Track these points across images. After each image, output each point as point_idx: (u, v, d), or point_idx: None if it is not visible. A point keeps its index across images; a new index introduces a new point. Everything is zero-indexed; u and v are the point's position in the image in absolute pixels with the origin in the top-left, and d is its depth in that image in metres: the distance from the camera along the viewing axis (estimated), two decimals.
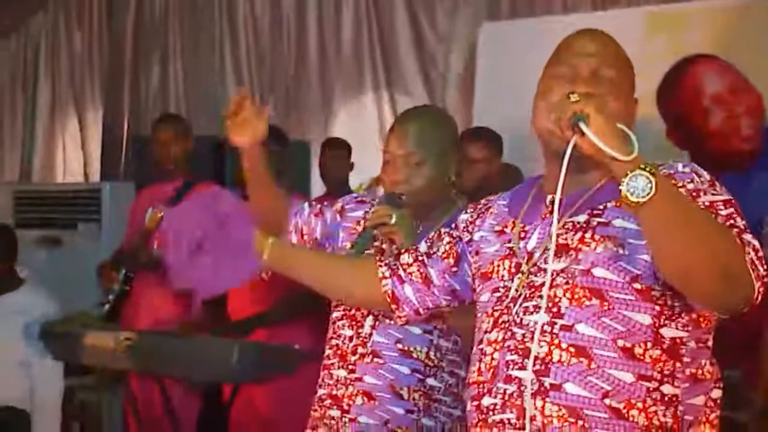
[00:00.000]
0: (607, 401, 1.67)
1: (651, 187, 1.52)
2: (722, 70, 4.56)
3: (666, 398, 1.68)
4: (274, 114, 6.48)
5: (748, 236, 1.65)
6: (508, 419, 1.73)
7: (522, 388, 1.71)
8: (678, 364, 1.70)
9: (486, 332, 1.82)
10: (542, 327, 1.72)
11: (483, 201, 2.03)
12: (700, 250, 1.58)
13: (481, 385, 1.80)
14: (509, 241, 1.85)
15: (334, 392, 2.46)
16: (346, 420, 2.43)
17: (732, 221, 1.67)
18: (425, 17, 6.02)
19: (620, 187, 1.55)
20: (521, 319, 1.75)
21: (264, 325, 3.92)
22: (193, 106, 6.94)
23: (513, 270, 1.82)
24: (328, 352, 2.52)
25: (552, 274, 1.74)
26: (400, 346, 2.42)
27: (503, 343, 1.77)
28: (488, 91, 5.45)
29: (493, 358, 1.78)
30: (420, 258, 2.06)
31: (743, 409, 3.38)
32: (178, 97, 7.04)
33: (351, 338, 2.47)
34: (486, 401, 1.78)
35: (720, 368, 1.79)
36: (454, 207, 2.56)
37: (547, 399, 1.69)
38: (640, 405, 1.67)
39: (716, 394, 1.77)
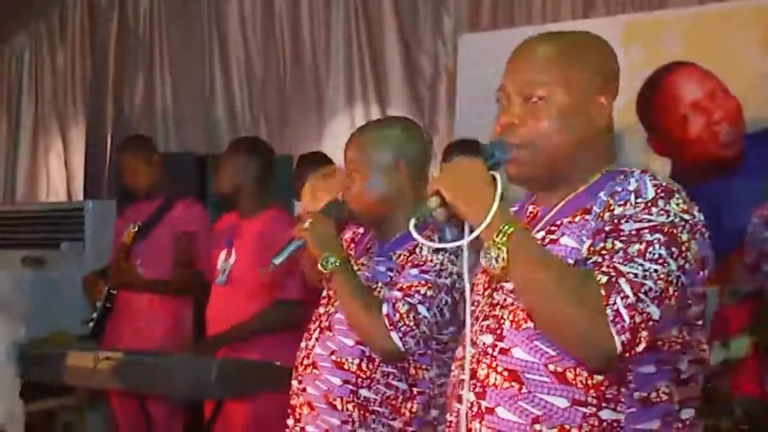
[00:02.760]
0: (537, 426, 1.64)
1: (501, 259, 1.58)
2: (700, 78, 4.57)
3: (604, 424, 1.62)
4: (265, 127, 6.52)
5: (623, 282, 1.55)
6: None
7: (468, 409, 1.72)
8: (623, 389, 1.63)
9: (456, 349, 1.85)
10: (486, 348, 1.71)
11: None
12: (552, 314, 1.58)
13: (448, 401, 1.84)
14: None
15: (292, 402, 2.54)
16: (298, 429, 2.50)
17: (642, 255, 1.57)
18: (411, 31, 6.04)
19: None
20: (477, 339, 1.75)
21: (241, 337, 3.90)
22: (179, 121, 6.94)
23: (486, 285, 1.81)
24: (296, 363, 2.58)
25: (506, 293, 1.73)
26: (333, 357, 2.46)
27: (461, 361, 1.78)
28: (468, 101, 5.44)
29: (454, 376, 1.81)
30: None
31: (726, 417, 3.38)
32: (165, 113, 7.02)
33: (302, 350, 2.55)
34: (449, 417, 1.81)
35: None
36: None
37: (483, 422, 1.69)
38: (575, 431, 1.63)
39: (685, 414, 1.70)
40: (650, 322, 1.55)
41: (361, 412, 2.41)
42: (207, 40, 6.84)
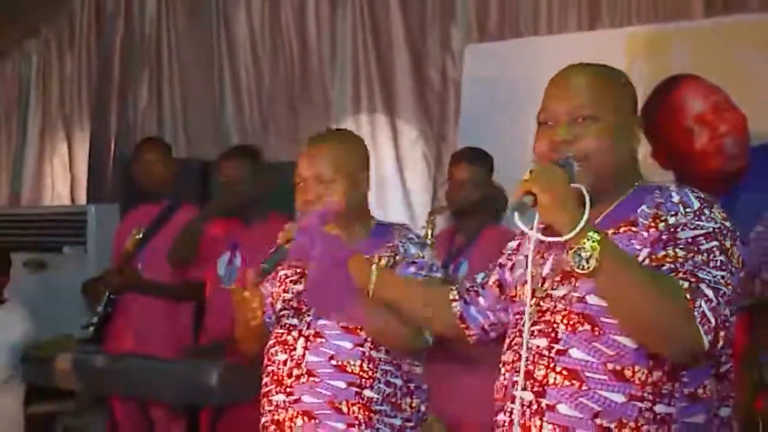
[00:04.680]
0: (597, 420, 1.79)
1: (593, 260, 1.68)
2: (705, 90, 4.56)
3: (659, 417, 1.77)
4: (274, 135, 6.53)
5: (704, 286, 1.72)
6: None
7: (524, 408, 1.86)
8: (676, 385, 1.79)
9: (503, 353, 1.99)
10: (541, 351, 1.86)
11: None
12: (641, 314, 1.71)
13: (497, 403, 1.97)
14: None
15: (276, 417, 2.52)
16: None
17: (706, 263, 1.75)
18: (419, 41, 6.05)
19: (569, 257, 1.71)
20: (528, 343, 1.88)
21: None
22: (187, 128, 6.96)
23: (529, 294, 1.94)
24: (265, 380, 2.57)
25: (555, 300, 1.89)
26: (333, 362, 2.47)
27: (512, 365, 1.93)
28: (474, 111, 5.45)
29: (504, 378, 1.95)
30: (474, 286, 2.23)
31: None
32: (174, 118, 7.04)
33: (285, 362, 2.52)
34: (500, 417, 1.95)
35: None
36: (370, 226, 2.63)
37: (543, 419, 1.83)
38: (632, 424, 1.77)
39: (724, 412, 1.85)
40: (727, 323, 1.72)
41: (366, 413, 2.45)
42: (215, 47, 6.86)
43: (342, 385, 2.45)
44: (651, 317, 1.70)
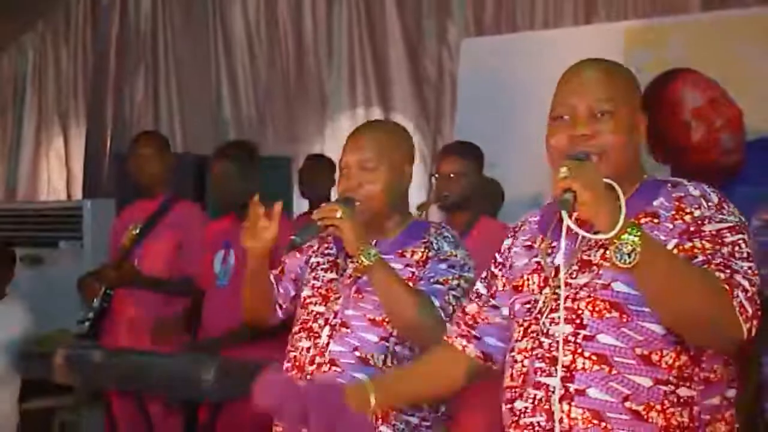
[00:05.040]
0: (627, 404, 1.82)
1: (635, 255, 1.68)
2: (702, 85, 4.57)
3: (682, 400, 1.82)
4: (271, 130, 6.54)
5: (738, 277, 1.76)
6: (538, 422, 1.89)
7: (550, 393, 1.87)
8: (696, 369, 1.84)
9: (517, 341, 1.98)
10: (566, 337, 1.87)
11: (519, 221, 2.16)
12: (685, 305, 1.74)
13: (513, 390, 1.96)
14: (536, 256, 2.01)
15: None
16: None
17: (732, 255, 1.79)
18: (416, 36, 6.07)
19: (609, 252, 1.72)
20: (548, 330, 1.91)
21: (233, 342, 3.90)
22: (184, 122, 6.96)
23: (542, 284, 1.96)
24: (286, 365, 2.54)
25: (575, 288, 1.89)
26: (357, 353, 2.45)
27: (532, 352, 1.93)
28: (470, 105, 5.46)
29: (523, 365, 1.94)
30: (486, 302, 2.15)
31: None
32: (171, 112, 7.04)
33: (308, 349, 2.50)
34: (518, 404, 1.93)
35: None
36: (408, 220, 2.61)
37: (572, 403, 1.84)
38: (658, 407, 1.81)
39: (730, 393, 1.91)
40: (759, 311, 1.78)
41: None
42: (212, 42, 6.87)
43: (363, 378, 2.38)
44: (695, 308, 1.74)
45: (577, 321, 1.87)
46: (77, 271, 5.00)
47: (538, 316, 1.93)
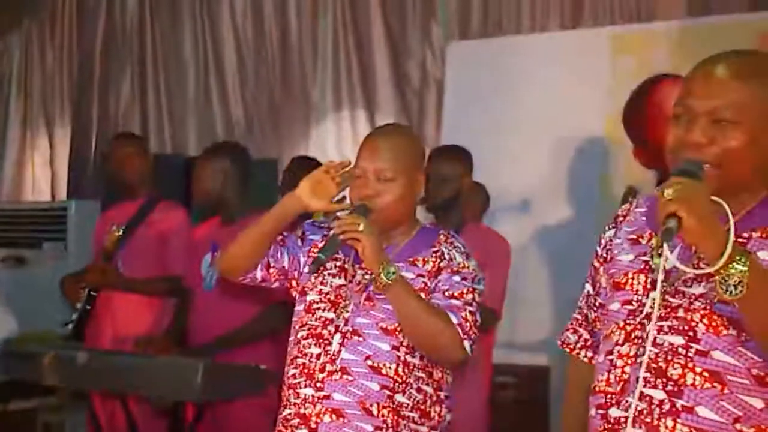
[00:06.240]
0: (738, 426, 1.74)
1: (742, 287, 1.59)
2: None
3: None
4: (258, 132, 6.54)
5: None
6: None
7: (653, 406, 1.77)
8: None
9: (617, 344, 1.85)
10: (676, 349, 1.77)
11: (619, 212, 2.03)
12: None
13: (610, 396, 1.85)
14: (645, 254, 1.87)
15: (302, 411, 2.45)
16: None
17: None
18: (400, 38, 6.09)
19: (715, 283, 1.62)
20: (655, 338, 1.80)
21: (225, 348, 3.89)
22: (170, 123, 6.95)
23: (648, 286, 1.84)
24: (293, 371, 2.50)
25: (689, 298, 1.79)
26: (369, 362, 2.42)
27: (635, 359, 1.81)
28: (457, 108, 5.48)
29: (624, 372, 1.83)
30: (594, 302, 2.04)
31: None
32: (159, 113, 7.03)
33: (318, 356, 2.47)
34: (614, 412, 1.83)
35: None
36: (416, 227, 2.59)
37: (678, 420, 1.75)
38: None
39: None
40: None
41: (395, 417, 2.41)
42: (200, 43, 6.87)
43: (375, 387, 2.41)
44: None
45: (690, 333, 1.77)
46: (61, 272, 4.98)
47: (645, 321, 1.82)
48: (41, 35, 7.65)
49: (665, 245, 1.66)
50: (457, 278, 2.46)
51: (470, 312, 2.43)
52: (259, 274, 2.62)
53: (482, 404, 3.85)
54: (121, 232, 4.29)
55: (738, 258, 1.60)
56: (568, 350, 2.12)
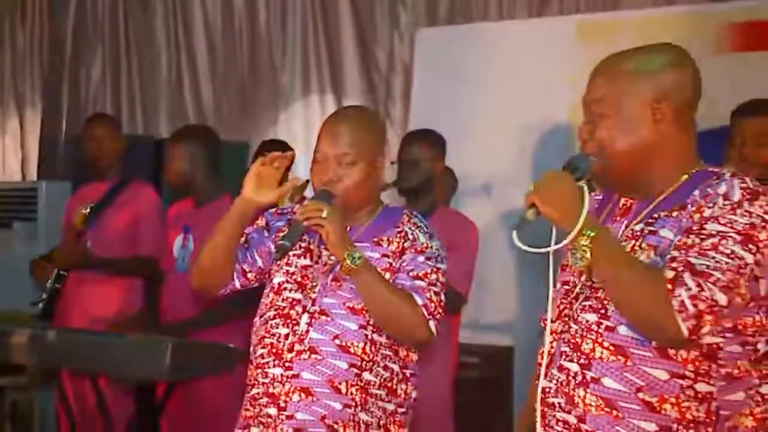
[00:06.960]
0: (640, 395, 1.86)
1: (584, 259, 1.81)
2: None
3: (700, 395, 1.85)
4: (227, 115, 6.56)
5: (687, 276, 1.76)
6: (559, 403, 1.95)
7: (570, 378, 1.93)
8: (713, 365, 1.85)
9: (552, 321, 2.03)
10: (590, 325, 1.93)
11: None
12: (624, 302, 1.84)
13: (540, 368, 2.01)
14: None
15: (271, 390, 2.47)
16: (283, 417, 2.45)
17: (710, 248, 1.78)
18: (368, 24, 6.12)
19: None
20: (577, 316, 1.96)
21: (195, 329, 3.93)
22: (142, 105, 6.96)
23: (582, 271, 1.98)
24: (261, 351, 2.52)
25: None
26: (337, 342, 2.45)
27: (561, 335, 1.99)
28: (425, 94, 5.53)
29: (552, 346, 2.00)
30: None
31: None
32: (131, 95, 7.03)
33: (287, 336, 2.48)
34: (543, 383, 2.00)
35: None
36: (379, 208, 2.62)
37: (588, 390, 1.90)
38: (672, 400, 1.85)
39: (765, 389, 1.91)
40: (716, 308, 1.77)
41: (363, 395, 2.45)
42: (171, 25, 6.86)
43: (344, 365, 2.44)
44: (633, 308, 1.82)
45: (602, 311, 1.91)
46: (31, 252, 5.00)
47: (573, 301, 1.99)
48: (12, 16, 7.61)
49: (515, 234, 1.86)
50: (421, 258, 2.49)
51: (435, 292, 2.47)
52: (237, 283, 2.63)
53: (447, 383, 3.91)
54: (88, 210, 4.29)
55: (586, 232, 1.81)
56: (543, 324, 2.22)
